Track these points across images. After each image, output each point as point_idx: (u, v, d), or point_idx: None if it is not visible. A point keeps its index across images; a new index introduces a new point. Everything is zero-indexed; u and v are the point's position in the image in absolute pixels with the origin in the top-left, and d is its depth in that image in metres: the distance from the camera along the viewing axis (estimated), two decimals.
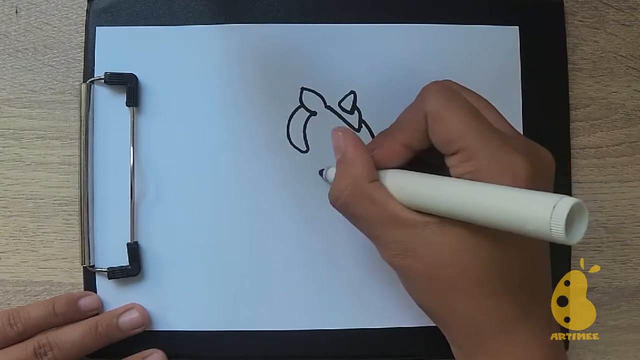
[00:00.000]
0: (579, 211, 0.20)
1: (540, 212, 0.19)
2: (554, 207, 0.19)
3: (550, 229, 0.19)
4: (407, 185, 0.26)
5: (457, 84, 0.29)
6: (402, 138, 0.28)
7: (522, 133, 0.36)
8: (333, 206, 0.29)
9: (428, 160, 0.29)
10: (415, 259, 0.26)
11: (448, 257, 0.25)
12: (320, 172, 0.35)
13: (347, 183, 0.27)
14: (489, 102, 0.28)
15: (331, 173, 0.32)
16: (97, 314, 0.35)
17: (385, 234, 0.27)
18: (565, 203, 0.19)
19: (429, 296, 0.27)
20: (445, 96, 0.26)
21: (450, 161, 0.26)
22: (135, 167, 0.36)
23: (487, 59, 0.37)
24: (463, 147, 0.25)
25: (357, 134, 0.36)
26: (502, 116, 0.28)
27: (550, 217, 0.19)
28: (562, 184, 0.37)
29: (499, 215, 0.21)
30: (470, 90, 0.28)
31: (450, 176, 0.25)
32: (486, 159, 0.24)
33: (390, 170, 0.28)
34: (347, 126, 0.37)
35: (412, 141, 0.27)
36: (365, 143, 0.36)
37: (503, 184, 0.23)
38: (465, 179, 0.24)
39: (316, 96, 0.37)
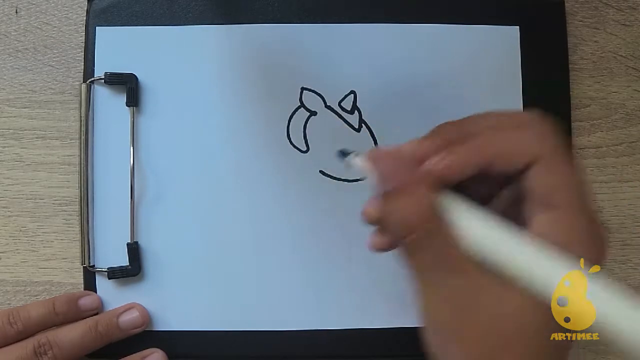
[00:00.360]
0: None
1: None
2: None
3: None
4: (486, 237, 0.23)
5: None
6: (483, 157, 0.23)
7: None
8: (395, 238, 0.24)
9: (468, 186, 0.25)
10: (468, 313, 0.23)
11: (508, 315, 0.23)
12: (343, 154, 0.26)
13: (415, 222, 0.23)
14: None
15: (361, 162, 0.25)
16: (97, 314, 0.35)
17: (442, 281, 0.23)
18: None
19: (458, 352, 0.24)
20: (558, 143, 0.23)
21: (540, 217, 0.23)
22: (135, 167, 0.36)
23: (487, 59, 0.37)
24: (561, 206, 0.23)
25: (357, 134, 0.36)
26: None
27: None
28: None
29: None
30: None
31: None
32: (578, 229, 0.23)
33: (461, 207, 0.23)
34: (350, 125, 0.37)
35: (495, 167, 0.23)
36: (365, 144, 0.37)
37: (586, 257, 0.22)
38: (549, 240, 0.22)
39: (316, 96, 0.37)
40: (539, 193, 0.23)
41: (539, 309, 0.22)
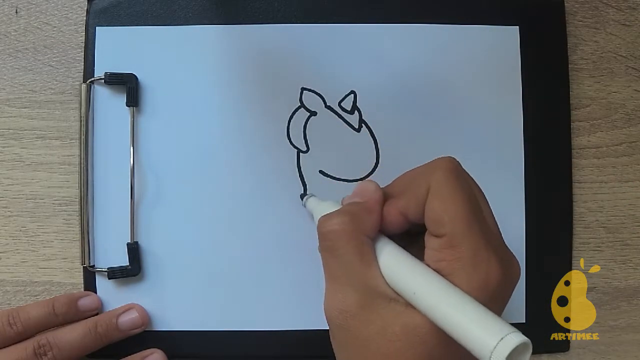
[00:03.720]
0: (523, 348, 0.20)
1: (486, 341, 0.20)
2: (501, 339, 0.20)
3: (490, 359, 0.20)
4: (388, 262, 0.26)
5: (461, 166, 0.27)
6: (400, 205, 0.27)
7: (522, 134, 0.37)
8: (320, 228, 0.28)
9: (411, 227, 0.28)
10: (363, 322, 0.25)
11: (399, 334, 0.24)
12: (302, 196, 0.35)
13: (349, 223, 0.26)
14: (483, 193, 0.27)
15: (312, 203, 0.32)
16: (96, 314, 0.35)
17: (349, 286, 0.26)
18: (511, 340, 0.20)
19: None
20: (452, 175, 0.25)
21: (431, 242, 0.25)
22: (135, 167, 0.36)
23: (487, 59, 0.37)
24: (450, 233, 0.24)
25: (357, 134, 0.36)
26: (491, 210, 0.27)
27: (493, 350, 0.20)
28: (562, 184, 0.37)
29: (449, 324, 0.22)
30: (471, 176, 0.27)
31: (422, 249, 0.26)
32: (468, 254, 0.24)
33: (386, 239, 0.27)
34: (350, 125, 0.37)
35: (409, 211, 0.26)
36: (365, 144, 0.37)
37: (473, 284, 0.23)
38: (441, 266, 0.24)
39: (316, 96, 0.37)
40: (428, 222, 0.25)
41: (418, 342, 0.24)
